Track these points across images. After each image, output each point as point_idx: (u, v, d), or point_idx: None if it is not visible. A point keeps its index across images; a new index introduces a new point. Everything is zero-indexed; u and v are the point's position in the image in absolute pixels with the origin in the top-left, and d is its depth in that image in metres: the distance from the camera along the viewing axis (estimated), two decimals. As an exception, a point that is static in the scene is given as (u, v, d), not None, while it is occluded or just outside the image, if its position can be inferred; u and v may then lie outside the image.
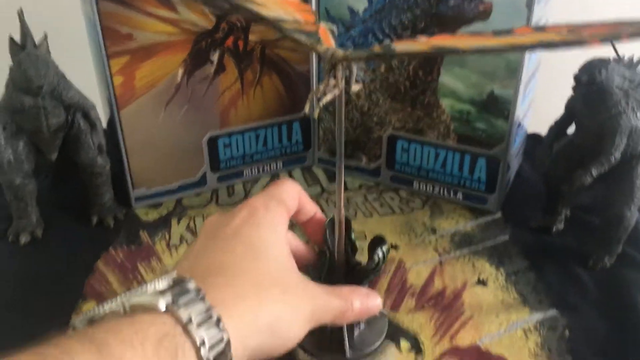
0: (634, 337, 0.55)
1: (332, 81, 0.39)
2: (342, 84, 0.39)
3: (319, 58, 0.75)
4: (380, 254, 0.50)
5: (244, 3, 0.42)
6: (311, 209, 0.49)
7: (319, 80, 0.77)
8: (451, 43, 0.38)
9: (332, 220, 0.50)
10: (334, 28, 0.43)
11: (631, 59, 0.59)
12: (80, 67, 0.70)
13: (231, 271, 0.38)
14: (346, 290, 0.44)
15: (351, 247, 0.50)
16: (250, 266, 0.39)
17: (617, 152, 0.58)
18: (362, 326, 0.52)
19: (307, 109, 0.40)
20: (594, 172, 0.58)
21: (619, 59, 0.59)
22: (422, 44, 0.37)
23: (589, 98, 0.58)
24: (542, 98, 0.80)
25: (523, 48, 0.47)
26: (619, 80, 0.57)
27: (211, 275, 0.37)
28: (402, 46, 0.38)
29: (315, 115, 0.40)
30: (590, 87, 0.57)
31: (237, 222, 0.42)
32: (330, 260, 0.49)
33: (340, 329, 0.49)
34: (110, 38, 0.64)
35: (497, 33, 0.37)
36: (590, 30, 0.35)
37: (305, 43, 0.40)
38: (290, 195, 0.46)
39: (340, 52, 0.38)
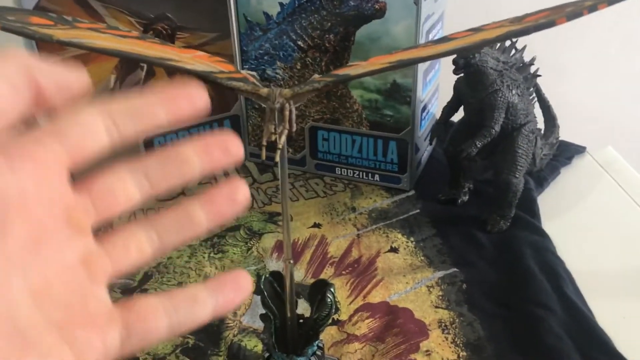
0: (518, 282, 0.64)
1: (281, 121, 0.40)
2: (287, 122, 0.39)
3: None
4: (331, 296, 0.49)
5: (164, 62, 0.42)
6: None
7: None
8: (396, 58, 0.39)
9: (268, 279, 0.49)
10: (255, 74, 0.44)
11: (503, 44, 0.68)
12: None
13: None
14: None
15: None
16: None
17: (496, 125, 0.66)
18: None
19: (263, 156, 0.39)
20: (478, 144, 0.66)
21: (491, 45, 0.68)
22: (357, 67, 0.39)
23: (469, 79, 0.67)
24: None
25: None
26: (493, 63, 0.66)
27: None
28: (341, 72, 0.40)
29: (277, 157, 0.40)
30: (468, 69, 0.66)
31: None
32: (282, 323, 0.49)
33: None
34: (43, 48, 0.70)
35: (437, 41, 0.39)
36: (531, 18, 0.36)
37: (246, 89, 0.41)
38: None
39: (288, 91, 0.39)
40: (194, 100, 0.26)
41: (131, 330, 0.24)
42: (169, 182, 0.26)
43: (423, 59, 0.36)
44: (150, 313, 0.25)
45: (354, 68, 0.40)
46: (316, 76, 0.43)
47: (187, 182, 0.26)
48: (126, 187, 0.25)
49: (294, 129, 0.42)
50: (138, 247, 0.25)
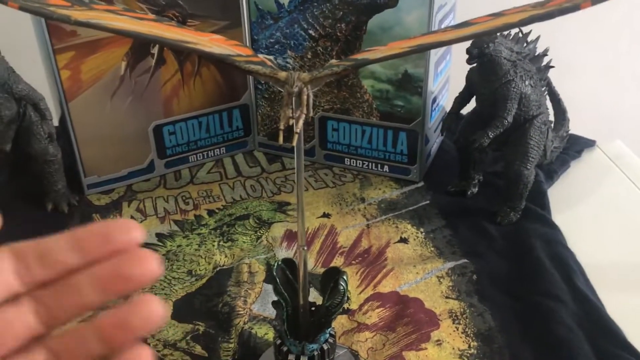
0: (528, 274, 0.64)
1: (298, 106, 0.39)
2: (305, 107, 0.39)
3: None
4: (344, 284, 0.48)
5: (182, 44, 0.42)
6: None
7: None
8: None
9: (280, 266, 0.49)
10: (272, 58, 0.44)
11: (517, 34, 0.68)
12: (30, 65, 0.75)
13: None
14: None
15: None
16: None
17: (509, 115, 0.66)
18: None
19: (281, 140, 0.38)
20: (490, 134, 0.66)
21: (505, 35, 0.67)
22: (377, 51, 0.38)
23: (482, 69, 0.67)
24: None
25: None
26: (506, 53, 0.65)
27: None
28: (360, 56, 0.39)
29: (294, 142, 0.39)
30: (482, 59, 0.65)
31: None
32: (294, 310, 0.49)
33: None
34: (55, 35, 0.70)
35: (457, 26, 0.38)
36: (554, 2, 0.35)
37: (264, 72, 0.40)
38: None
39: (306, 75, 0.38)
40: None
41: None
42: (68, 314, 0.25)
43: (444, 43, 0.36)
44: None
45: (373, 52, 0.40)
46: (334, 61, 0.42)
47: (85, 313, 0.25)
48: (24, 318, 0.24)
49: (311, 113, 0.42)
50: None
